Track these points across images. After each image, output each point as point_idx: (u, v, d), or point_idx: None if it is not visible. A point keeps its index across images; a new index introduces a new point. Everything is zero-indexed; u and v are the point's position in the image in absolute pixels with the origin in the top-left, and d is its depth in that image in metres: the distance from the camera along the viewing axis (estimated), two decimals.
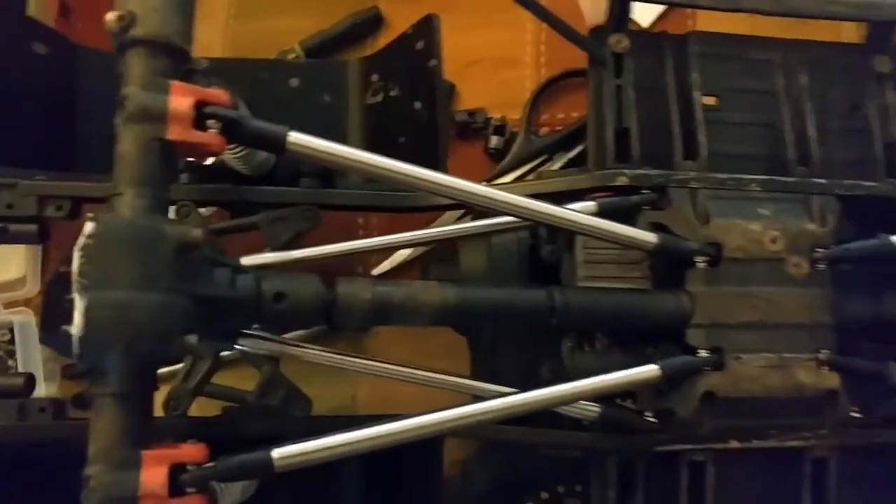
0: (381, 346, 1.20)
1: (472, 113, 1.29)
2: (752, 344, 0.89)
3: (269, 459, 0.72)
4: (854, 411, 0.93)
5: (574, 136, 1.23)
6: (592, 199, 0.92)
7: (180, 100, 0.71)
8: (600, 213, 0.91)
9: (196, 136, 0.73)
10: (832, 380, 0.90)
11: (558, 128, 1.28)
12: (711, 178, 0.93)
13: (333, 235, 0.94)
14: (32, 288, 1.24)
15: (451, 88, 1.30)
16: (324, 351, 0.92)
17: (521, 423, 0.92)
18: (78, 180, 0.91)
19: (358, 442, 0.76)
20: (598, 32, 1.00)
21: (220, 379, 0.90)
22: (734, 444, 0.91)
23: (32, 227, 0.91)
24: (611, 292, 0.90)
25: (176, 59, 0.76)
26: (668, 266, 0.92)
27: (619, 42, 0.98)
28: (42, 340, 1.20)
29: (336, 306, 0.80)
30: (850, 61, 1.03)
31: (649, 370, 0.86)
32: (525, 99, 1.28)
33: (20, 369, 1.18)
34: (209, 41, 1.33)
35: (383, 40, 1.31)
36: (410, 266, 1.23)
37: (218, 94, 0.74)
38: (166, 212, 0.74)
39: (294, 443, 0.74)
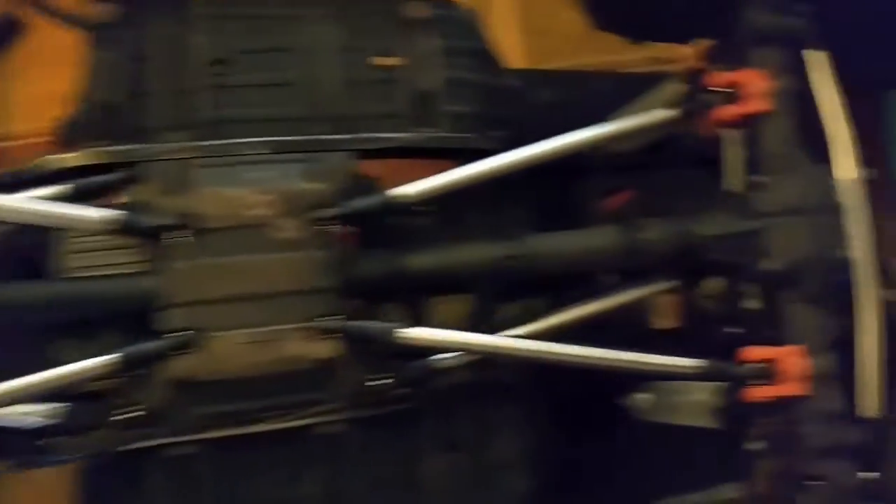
0: None
1: None
2: (235, 319, 0.81)
3: None
4: (373, 378, 0.86)
5: None
6: (71, 182, 0.85)
7: None
8: (75, 197, 0.84)
9: None
10: (328, 348, 0.83)
11: None
12: (198, 146, 0.85)
13: None
14: None
15: None
16: None
17: None
18: None
19: None
20: None
21: None
22: (228, 431, 0.82)
23: None
24: (72, 282, 0.82)
25: None
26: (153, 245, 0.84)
27: (98, 11, 0.89)
28: None
29: None
30: (380, 11, 0.96)
31: (107, 359, 0.78)
32: None
33: None
34: None
35: None
36: None
37: None
38: None
39: None
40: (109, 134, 0.87)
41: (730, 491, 0.90)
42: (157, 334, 0.80)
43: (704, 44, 1.09)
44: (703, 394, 0.91)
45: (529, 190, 1.04)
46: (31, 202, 0.80)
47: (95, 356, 0.80)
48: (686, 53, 1.36)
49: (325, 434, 0.84)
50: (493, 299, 0.94)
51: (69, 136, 0.89)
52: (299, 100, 0.91)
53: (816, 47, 0.92)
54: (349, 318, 0.84)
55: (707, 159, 1.07)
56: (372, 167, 0.91)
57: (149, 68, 0.89)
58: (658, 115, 0.89)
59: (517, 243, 0.88)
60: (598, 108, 1.12)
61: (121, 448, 0.81)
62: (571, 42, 1.38)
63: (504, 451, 0.91)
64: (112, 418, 0.81)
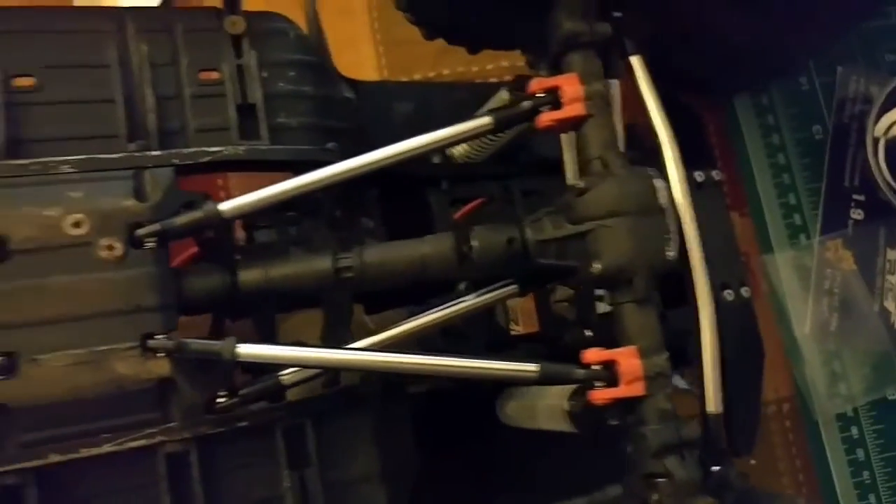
0: None
1: None
2: (54, 342, 0.79)
3: None
4: (217, 396, 0.85)
5: None
6: None
7: None
8: None
9: None
10: (161, 367, 0.81)
11: None
12: (5, 165, 0.83)
13: None
14: None
15: None
16: None
17: None
18: None
19: None
20: None
21: None
22: (55, 457, 0.79)
23: None
24: None
25: None
26: None
27: None
28: None
29: None
30: (200, 25, 0.96)
31: None
32: None
33: None
34: None
35: None
36: None
37: None
38: None
39: None
40: None
41: (614, 492, 0.91)
42: None
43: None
44: (556, 398, 0.91)
45: (375, 201, 1.05)
46: None
47: None
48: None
49: (170, 454, 0.82)
50: (344, 311, 0.94)
51: None
52: (117, 117, 0.90)
53: (636, 52, 0.94)
54: (186, 336, 0.83)
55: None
56: (199, 183, 0.91)
57: None
58: (476, 123, 0.90)
59: (350, 255, 0.88)
60: (457, 119, 1.13)
61: None
62: (431, 54, 1.39)
63: (359, 465, 0.90)
64: None
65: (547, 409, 0.94)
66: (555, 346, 1.07)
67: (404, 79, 1.38)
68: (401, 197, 1.08)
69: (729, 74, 1.31)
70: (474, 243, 0.88)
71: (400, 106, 1.22)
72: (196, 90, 0.93)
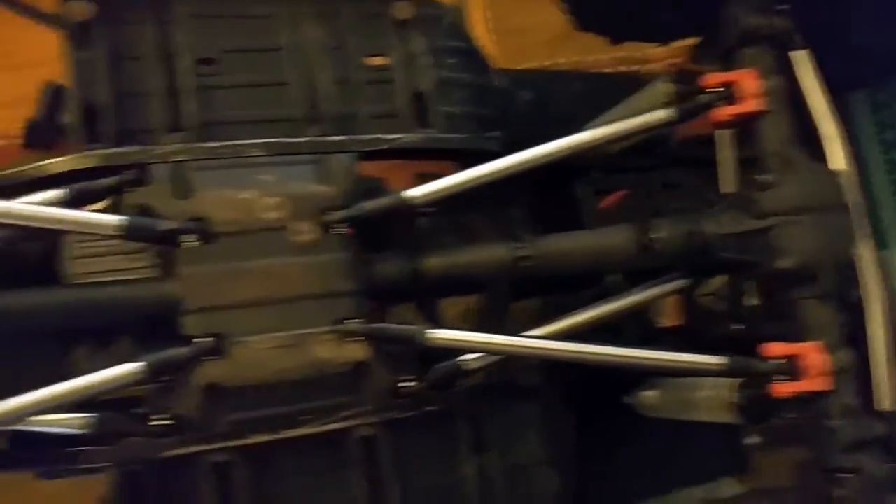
0: None
1: None
2: (258, 324, 0.80)
3: None
4: (403, 380, 0.86)
5: None
6: (67, 187, 0.82)
7: None
8: (75, 201, 0.81)
9: None
10: (359, 351, 0.82)
11: None
12: (200, 148, 0.83)
13: None
14: None
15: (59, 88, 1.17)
16: None
17: None
18: None
19: None
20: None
21: None
22: (261, 437, 0.80)
23: None
24: (87, 288, 0.80)
25: None
26: (164, 250, 0.83)
27: (77, 10, 0.84)
28: None
29: None
30: (367, 11, 0.96)
31: (132, 368, 0.75)
32: None
33: None
34: None
35: None
36: None
37: None
38: None
39: None
40: (99, 136, 0.84)
41: (730, 485, 0.92)
42: (172, 341, 0.78)
43: (688, 44, 1.12)
44: (717, 389, 0.92)
45: (525, 190, 1.06)
46: (39, 207, 0.76)
47: (110, 364, 0.77)
48: (657, 54, 1.40)
49: (361, 437, 0.83)
50: (504, 299, 0.94)
51: (52, 138, 0.85)
52: (295, 100, 0.90)
53: (799, 47, 0.95)
54: (370, 321, 0.83)
55: (692, 159, 1.10)
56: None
57: (134, 68, 0.86)
58: (656, 115, 0.91)
59: (530, 244, 0.88)
60: (574, 108, 1.14)
61: (154, 456, 0.78)
62: (545, 42, 1.39)
63: (532, 451, 0.92)
64: (144, 426, 0.78)
65: (707, 400, 0.95)
66: (699, 338, 1.08)
67: (520, 67, 1.38)
68: (548, 187, 1.09)
69: (848, 71, 1.32)
70: (658, 235, 0.88)
71: (521, 94, 1.23)
72: (365, 76, 0.94)
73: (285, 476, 0.84)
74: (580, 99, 1.27)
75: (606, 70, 1.40)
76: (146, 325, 0.82)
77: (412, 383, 0.85)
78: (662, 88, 1.03)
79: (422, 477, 0.88)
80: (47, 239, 0.84)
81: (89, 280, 0.82)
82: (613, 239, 0.90)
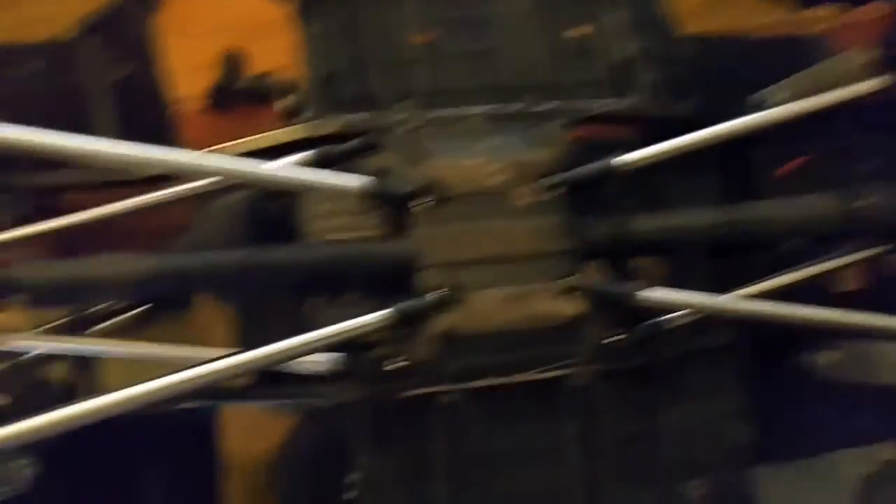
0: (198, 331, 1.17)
1: (262, 76, 1.24)
2: (487, 279, 0.87)
3: None
4: (612, 335, 0.92)
5: None
6: (311, 150, 0.89)
7: None
8: (319, 164, 0.89)
9: None
10: (576, 306, 0.88)
11: None
12: (429, 115, 0.90)
13: None
14: None
15: (238, 55, 1.26)
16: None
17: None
18: None
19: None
20: None
21: None
22: (487, 381, 0.88)
23: None
24: (331, 244, 0.87)
25: None
26: (396, 211, 0.90)
27: None
28: None
29: (22, 288, 0.77)
30: None
31: (382, 315, 0.84)
32: None
33: None
34: None
35: None
36: None
37: None
38: None
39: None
40: (333, 105, 0.91)
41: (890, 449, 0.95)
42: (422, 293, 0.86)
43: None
44: None
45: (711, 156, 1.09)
46: (295, 169, 0.84)
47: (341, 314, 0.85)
48: (822, 16, 1.39)
49: (573, 386, 0.90)
50: (703, 262, 0.99)
51: (234, 102, 0.91)
52: (506, 69, 0.96)
53: None
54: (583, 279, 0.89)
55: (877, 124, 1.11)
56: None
57: (364, 39, 0.93)
58: (865, 86, 0.93)
59: (737, 209, 0.93)
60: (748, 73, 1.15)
61: (394, 396, 0.87)
62: (697, 5, 1.40)
63: (725, 405, 0.96)
64: (384, 368, 0.86)
65: (891, 364, 0.98)
66: (881, 303, 1.11)
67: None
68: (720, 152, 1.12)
69: None
70: (863, 203, 0.91)
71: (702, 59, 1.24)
72: (569, 45, 0.98)
73: (505, 417, 0.91)
74: (754, 64, 1.27)
75: (768, 33, 1.40)
76: (372, 279, 0.89)
77: (621, 338, 0.91)
78: (858, 58, 1.05)
79: (625, 425, 0.93)
80: (287, 200, 0.92)
81: (325, 237, 0.90)
82: (819, 207, 0.93)
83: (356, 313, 0.85)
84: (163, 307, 1.17)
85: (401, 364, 0.87)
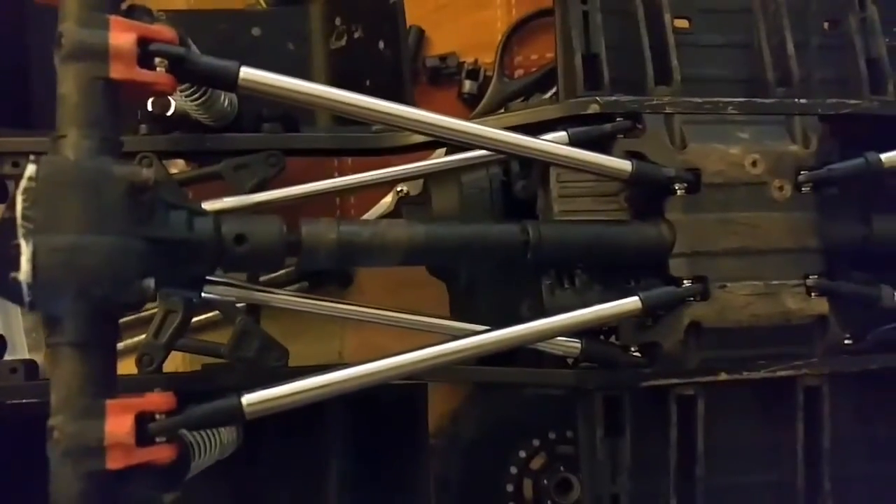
0: (364, 300, 1.18)
1: (443, 58, 1.26)
2: (737, 271, 0.86)
3: (239, 405, 0.71)
4: (846, 338, 0.91)
5: (549, 76, 1.20)
6: (564, 130, 0.89)
7: (121, 35, 0.68)
8: (572, 144, 0.88)
9: (142, 75, 0.70)
10: (821, 306, 0.87)
11: (533, 69, 1.25)
12: (686, 102, 0.90)
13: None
14: None
15: (421, 33, 1.27)
16: (299, 296, 0.90)
17: (505, 366, 0.91)
18: (35, 136, 0.88)
19: (329, 385, 0.74)
20: None
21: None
22: (723, 376, 0.88)
23: None
24: (587, 225, 0.88)
25: None
26: (646, 196, 0.89)
27: None
28: None
29: (301, 247, 0.78)
30: None
31: (630, 302, 0.84)
32: (497, 41, 1.25)
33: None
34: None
35: None
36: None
37: (162, 30, 0.71)
38: (118, 154, 0.71)
39: (265, 388, 0.72)
40: (591, 85, 0.91)
41: None
42: (669, 281, 0.85)
43: None
44: None
45: None
46: (566, 148, 0.84)
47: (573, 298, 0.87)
48: None
49: (808, 387, 0.89)
50: None
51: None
52: (763, 61, 0.95)
53: None
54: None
55: None
56: None
57: (625, 22, 0.93)
58: None
59: None
60: None
61: (635, 384, 0.87)
62: None
63: None
64: (626, 356, 0.87)
65: None
66: None
67: None
68: None
69: None
70: None
71: None
72: (824, 40, 0.97)
73: (736, 415, 0.91)
74: None
75: None
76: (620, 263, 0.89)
77: (858, 341, 0.90)
78: None
79: (852, 428, 0.93)
80: (534, 179, 0.92)
81: (568, 218, 0.89)
82: None
83: (591, 298, 0.86)
84: (323, 282, 1.18)
85: (643, 354, 0.87)
